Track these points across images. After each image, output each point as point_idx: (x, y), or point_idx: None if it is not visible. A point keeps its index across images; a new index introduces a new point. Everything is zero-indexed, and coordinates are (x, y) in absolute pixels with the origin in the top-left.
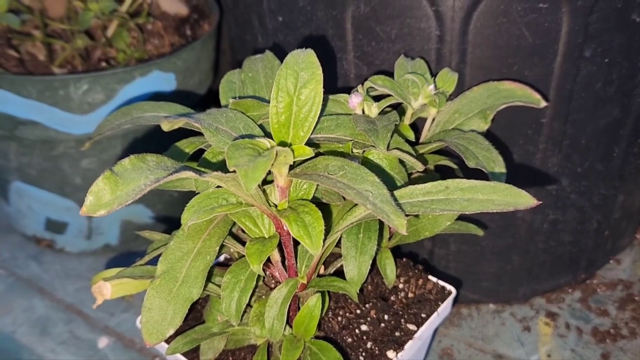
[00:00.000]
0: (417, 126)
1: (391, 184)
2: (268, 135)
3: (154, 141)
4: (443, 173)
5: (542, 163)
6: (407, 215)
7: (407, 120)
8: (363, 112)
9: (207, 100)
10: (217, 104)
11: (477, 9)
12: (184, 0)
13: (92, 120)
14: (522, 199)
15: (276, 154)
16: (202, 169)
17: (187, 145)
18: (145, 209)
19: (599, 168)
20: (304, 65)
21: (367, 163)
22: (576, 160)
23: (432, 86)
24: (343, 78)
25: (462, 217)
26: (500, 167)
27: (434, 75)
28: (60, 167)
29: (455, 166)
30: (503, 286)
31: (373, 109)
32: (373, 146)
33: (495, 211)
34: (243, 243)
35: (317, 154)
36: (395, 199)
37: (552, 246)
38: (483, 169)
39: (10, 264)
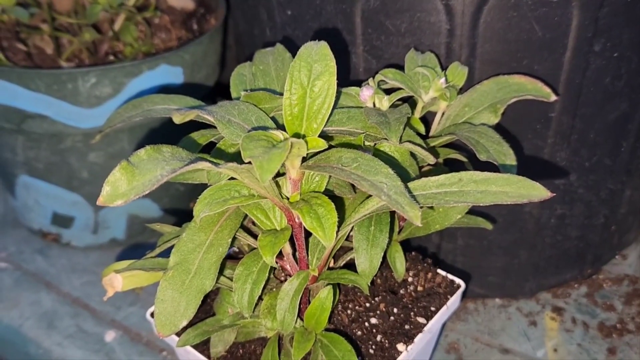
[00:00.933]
0: (426, 119)
1: (403, 177)
2: (280, 127)
3: (161, 134)
4: (452, 167)
5: (550, 157)
6: (420, 207)
7: (418, 113)
8: (374, 105)
9: (214, 94)
10: (224, 98)
11: (487, 3)
12: None
13: (100, 114)
14: (535, 191)
15: (290, 146)
16: (217, 161)
17: (198, 138)
18: (152, 203)
19: (606, 162)
20: (318, 57)
21: (378, 155)
22: (584, 155)
23: (442, 79)
24: (352, 71)
25: (470, 211)
26: (511, 160)
27: (444, 69)
28: (67, 161)
29: (465, 159)
30: (509, 281)
31: (384, 102)
32: (385, 139)
33: (508, 203)
34: (254, 235)
35: (330, 147)
36: (409, 191)
37: (559, 241)
38: (494, 162)
39: (17, 258)
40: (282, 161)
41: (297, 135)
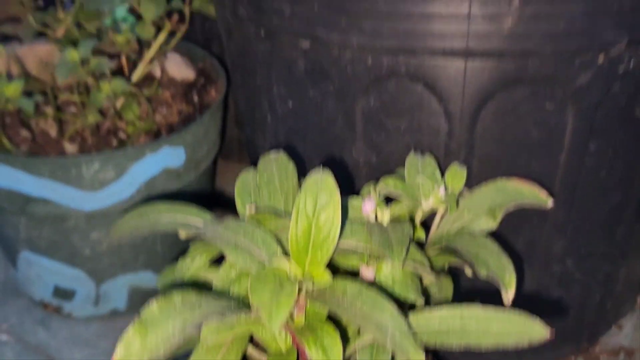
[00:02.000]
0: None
1: (404, 301)
2: (285, 249)
3: None
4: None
5: (546, 247)
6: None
7: (418, 218)
8: (376, 217)
9: (214, 162)
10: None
11: (484, 107)
12: (190, 63)
13: (103, 196)
14: (535, 331)
15: (298, 287)
16: (226, 300)
17: (202, 252)
18: (153, 275)
19: (602, 249)
20: (323, 188)
21: (380, 282)
22: (580, 243)
23: (442, 189)
24: (352, 165)
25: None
26: (510, 273)
27: (443, 169)
28: (69, 239)
29: (466, 265)
30: (508, 358)
31: (385, 216)
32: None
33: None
34: (258, 345)
35: (333, 271)
36: (413, 331)
37: (555, 320)
38: (494, 283)
39: (18, 330)
40: (291, 307)
41: (302, 263)
